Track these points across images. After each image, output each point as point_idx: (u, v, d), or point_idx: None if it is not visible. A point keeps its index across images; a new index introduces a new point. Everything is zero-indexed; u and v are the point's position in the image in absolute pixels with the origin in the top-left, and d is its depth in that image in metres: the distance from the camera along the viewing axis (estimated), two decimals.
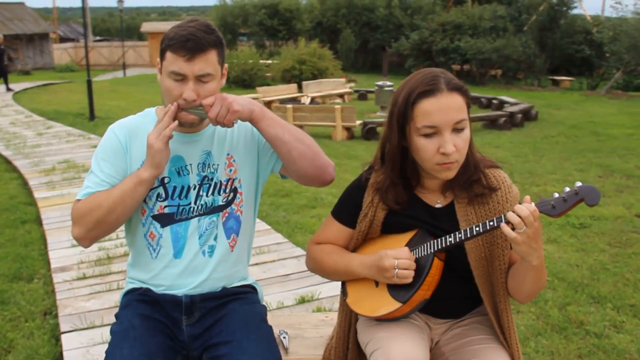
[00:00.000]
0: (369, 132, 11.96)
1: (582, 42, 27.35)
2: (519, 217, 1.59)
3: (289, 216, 5.98)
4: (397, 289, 1.82)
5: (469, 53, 25.78)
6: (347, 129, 12.22)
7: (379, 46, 32.98)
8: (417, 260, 1.81)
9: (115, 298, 3.91)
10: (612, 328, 3.64)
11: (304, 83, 19.34)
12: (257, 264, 4.47)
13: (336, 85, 20.40)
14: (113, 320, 2.01)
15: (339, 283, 2.06)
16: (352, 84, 22.51)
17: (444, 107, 1.71)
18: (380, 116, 14.35)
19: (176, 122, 1.83)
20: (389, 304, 1.82)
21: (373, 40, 33.42)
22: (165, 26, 40.43)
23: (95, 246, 4.84)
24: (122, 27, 40.93)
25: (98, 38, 52.13)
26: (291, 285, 4.17)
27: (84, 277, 4.33)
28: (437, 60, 26.70)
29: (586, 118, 14.54)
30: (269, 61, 26.36)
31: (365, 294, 1.92)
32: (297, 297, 3.95)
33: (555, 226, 5.63)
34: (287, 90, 19.00)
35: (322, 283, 4.11)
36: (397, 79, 23.18)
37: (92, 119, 13.92)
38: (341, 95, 19.80)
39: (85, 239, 1.89)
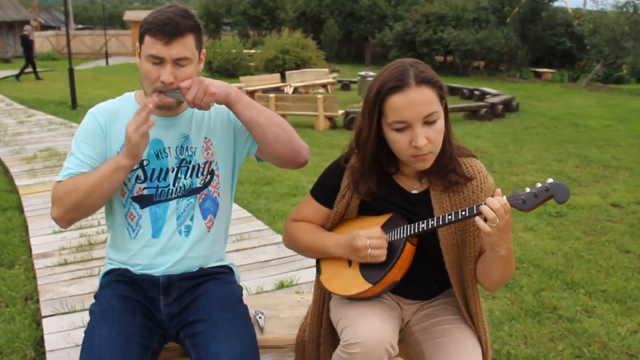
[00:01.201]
0: (351, 122, 11.98)
1: (563, 34, 27.53)
2: (490, 209, 1.63)
3: (270, 204, 6.01)
4: (368, 270, 1.87)
5: (452, 44, 25.87)
6: (330, 118, 12.26)
7: (363, 37, 32.97)
8: (389, 244, 1.85)
9: (97, 283, 3.91)
10: (583, 312, 3.72)
11: (287, 73, 19.34)
12: (237, 250, 4.51)
13: (319, 75, 20.40)
14: None
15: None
16: (335, 74, 22.51)
17: (413, 102, 1.72)
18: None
19: (154, 120, 1.86)
20: (360, 285, 1.87)
21: (357, 31, 33.41)
22: None
23: (76, 232, 4.86)
24: (104, 15, 40.53)
25: (80, 26, 51.59)
26: (271, 270, 4.21)
27: (65, 263, 4.34)
28: (420, 51, 26.75)
29: (566, 110, 14.70)
30: (253, 51, 26.32)
31: (338, 272, 1.96)
32: (276, 282, 4.00)
33: (532, 214, 5.71)
34: (271, 80, 18.97)
35: (301, 269, 4.16)
36: (379, 69, 23.15)
37: (74, 108, 13.82)
38: (324, 85, 19.82)
39: (63, 220, 1.94)
